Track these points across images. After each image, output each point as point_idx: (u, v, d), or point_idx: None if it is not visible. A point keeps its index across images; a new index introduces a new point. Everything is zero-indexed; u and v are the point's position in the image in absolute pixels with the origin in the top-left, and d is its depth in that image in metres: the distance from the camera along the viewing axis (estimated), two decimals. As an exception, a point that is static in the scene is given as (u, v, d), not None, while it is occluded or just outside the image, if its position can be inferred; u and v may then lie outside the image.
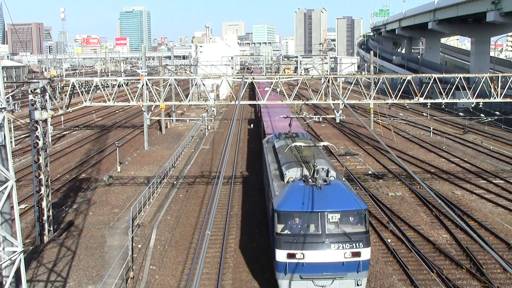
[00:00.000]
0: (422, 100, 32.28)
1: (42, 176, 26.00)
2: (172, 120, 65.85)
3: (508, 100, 33.45)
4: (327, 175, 20.27)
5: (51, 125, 52.92)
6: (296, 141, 26.81)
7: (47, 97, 26.52)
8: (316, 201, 18.35)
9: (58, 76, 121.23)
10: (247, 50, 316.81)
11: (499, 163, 42.56)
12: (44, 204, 25.89)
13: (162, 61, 76.14)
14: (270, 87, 33.13)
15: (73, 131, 60.81)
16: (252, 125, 67.72)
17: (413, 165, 41.83)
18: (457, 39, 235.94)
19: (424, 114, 71.68)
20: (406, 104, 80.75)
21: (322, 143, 25.13)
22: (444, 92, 33.03)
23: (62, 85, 31.44)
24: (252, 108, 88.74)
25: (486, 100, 32.75)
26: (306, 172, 20.72)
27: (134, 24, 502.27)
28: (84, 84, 44.13)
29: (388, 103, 63.62)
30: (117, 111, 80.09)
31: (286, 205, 18.66)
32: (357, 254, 17.84)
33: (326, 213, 18.08)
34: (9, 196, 16.04)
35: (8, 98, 21.67)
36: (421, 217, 29.38)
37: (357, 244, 17.82)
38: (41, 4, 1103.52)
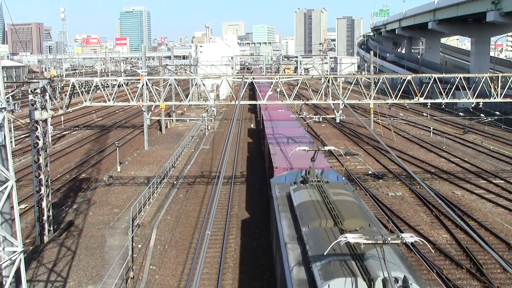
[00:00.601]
0: (422, 100, 32.27)
1: (42, 176, 26.00)
2: (172, 120, 65.85)
3: (508, 100, 33.43)
4: None
5: (51, 125, 52.94)
6: (329, 194, 17.02)
7: (47, 97, 26.53)
8: None
9: (58, 76, 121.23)
10: (247, 50, 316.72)
11: (499, 163, 42.56)
12: (44, 204, 25.89)
13: (162, 61, 76.15)
14: (270, 87, 33.12)
15: (73, 131, 60.80)
16: (252, 126, 67.67)
17: (413, 165, 41.83)
18: (457, 39, 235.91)
19: (424, 114, 71.68)
20: (406, 104, 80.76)
21: (406, 238, 10.91)
22: (444, 92, 33.03)
23: (62, 85, 31.43)
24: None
25: (486, 100, 32.75)
26: (363, 285, 11.15)
27: (134, 24, 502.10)
28: (84, 84, 44.11)
29: (388, 103, 63.58)
30: (117, 111, 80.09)
31: None
32: None
33: None
34: (9, 196, 16.04)
35: (8, 98, 21.63)
36: (421, 217, 29.37)
37: None
38: (41, 4, 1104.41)
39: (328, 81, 31.20)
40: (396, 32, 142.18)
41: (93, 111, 74.89)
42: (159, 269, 22.96)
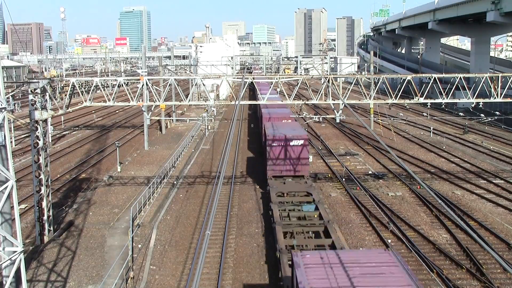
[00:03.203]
0: (422, 100, 32.27)
1: (42, 176, 26.00)
2: (172, 120, 65.84)
3: (508, 100, 33.43)
4: None
5: (51, 125, 52.90)
6: None
7: (47, 97, 26.54)
8: None
9: (58, 76, 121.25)
10: (247, 50, 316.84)
11: (499, 163, 42.55)
12: (44, 204, 25.89)
13: (162, 61, 76.16)
14: (270, 87, 33.13)
15: (73, 131, 60.80)
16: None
17: (413, 165, 41.81)
18: (457, 39, 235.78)
19: (424, 114, 71.66)
20: (406, 104, 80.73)
21: None
22: (444, 92, 33.02)
23: (62, 85, 31.44)
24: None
25: (486, 100, 32.75)
26: None
27: (134, 24, 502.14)
28: (84, 84, 44.16)
29: (388, 103, 63.54)
30: (117, 111, 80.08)
31: None
32: None
33: None
34: (9, 196, 16.04)
35: (8, 98, 21.64)
36: (421, 217, 29.38)
37: None
38: (41, 4, 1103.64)
39: (328, 81, 31.20)
40: (396, 32, 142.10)
41: (93, 111, 74.86)
42: (159, 269, 22.96)
